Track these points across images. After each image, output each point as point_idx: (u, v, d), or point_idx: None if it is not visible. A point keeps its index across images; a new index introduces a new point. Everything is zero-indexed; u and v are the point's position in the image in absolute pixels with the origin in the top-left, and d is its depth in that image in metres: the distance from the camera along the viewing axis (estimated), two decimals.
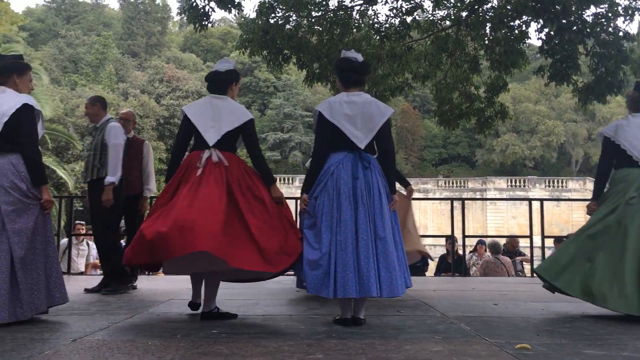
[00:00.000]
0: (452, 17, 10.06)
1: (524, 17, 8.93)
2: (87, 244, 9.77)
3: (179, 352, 2.65)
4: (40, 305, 3.50)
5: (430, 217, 42.38)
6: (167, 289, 5.58)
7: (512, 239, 10.44)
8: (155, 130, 40.42)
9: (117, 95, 43.11)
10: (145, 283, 6.23)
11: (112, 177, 5.14)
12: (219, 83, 3.89)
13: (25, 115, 3.58)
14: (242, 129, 3.81)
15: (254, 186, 3.66)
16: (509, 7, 8.81)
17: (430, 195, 44.62)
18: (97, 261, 9.62)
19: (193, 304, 3.91)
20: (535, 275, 4.28)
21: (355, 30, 9.69)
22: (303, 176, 42.35)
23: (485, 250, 9.78)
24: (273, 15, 9.25)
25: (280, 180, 45.03)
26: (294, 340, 2.97)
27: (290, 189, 43.42)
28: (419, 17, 10.27)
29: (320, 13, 9.54)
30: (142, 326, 3.44)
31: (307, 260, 3.46)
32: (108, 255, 5.30)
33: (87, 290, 5.33)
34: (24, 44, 47.36)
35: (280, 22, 9.28)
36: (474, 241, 10.36)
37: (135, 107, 38.16)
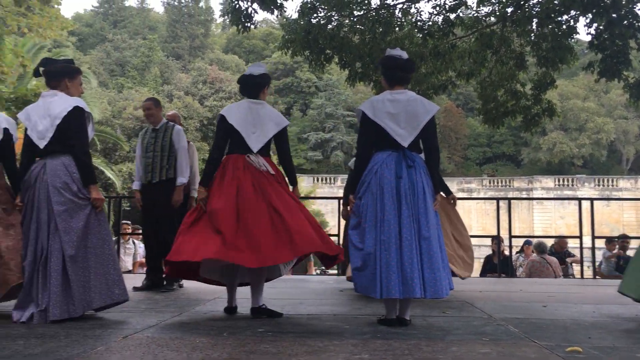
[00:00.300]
0: (497, 13, 9.88)
1: (571, 11, 8.70)
2: (133, 243, 9.98)
3: (226, 350, 2.68)
4: (92, 303, 3.58)
5: (474, 217, 41.74)
6: (212, 288, 5.63)
7: (561, 240, 10.18)
8: (199, 131, 41.02)
9: (162, 97, 43.89)
10: (191, 282, 6.31)
11: (183, 178, 5.41)
12: (254, 87, 3.98)
13: (77, 118, 3.69)
14: (279, 134, 3.95)
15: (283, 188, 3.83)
16: (556, 1, 8.59)
17: (474, 195, 43.91)
18: (144, 260, 9.84)
19: (230, 309, 3.94)
20: (620, 293, 4.14)
21: (397, 28, 9.62)
22: (345, 176, 42.12)
23: (533, 251, 9.57)
24: (315, 15, 9.28)
25: (322, 180, 45.09)
26: (339, 340, 2.96)
27: (332, 188, 43.43)
28: (463, 14, 10.13)
29: (362, 12, 9.52)
30: (190, 324, 3.49)
31: (353, 260, 3.46)
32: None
33: (135, 289, 5.44)
34: (73, 48, 48.84)
35: (322, 22, 9.30)
36: (520, 242, 10.15)
37: (179, 109, 38.83)
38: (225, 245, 3.51)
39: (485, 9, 10.09)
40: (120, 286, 3.69)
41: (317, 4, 9.14)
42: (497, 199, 8.58)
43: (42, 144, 3.67)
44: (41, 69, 3.87)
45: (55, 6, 8.81)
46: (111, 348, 2.71)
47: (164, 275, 5.47)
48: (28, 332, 3.12)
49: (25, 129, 3.78)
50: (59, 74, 3.84)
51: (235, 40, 64.83)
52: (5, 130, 4.02)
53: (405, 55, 3.75)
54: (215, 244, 3.51)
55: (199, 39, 63.52)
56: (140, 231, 10.34)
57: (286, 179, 4.02)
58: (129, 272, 9.31)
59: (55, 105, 3.70)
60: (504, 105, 10.24)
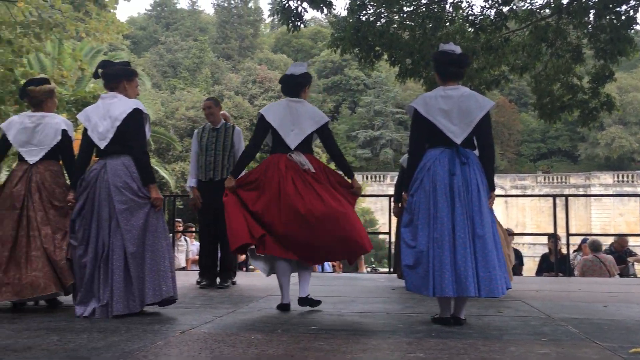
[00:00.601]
0: (552, 5, 9.58)
1: (631, 1, 8.37)
2: (185, 240, 10.18)
3: (281, 347, 2.71)
4: (148, 299, 3.68)
5: (528, 214, 40.78)
6: (265, 285, 5.71)
7: (621, 238, 9.79)
8: (249, 130, 41.50)
9: None
10: (244, 279, 6.42)
11: None
12: (295, 86, 4.07)
13: (136, 120, 3.81)
14: (320, 131, 4.02)
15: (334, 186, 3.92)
16: None
17: (529, 192, 42.87)
18: (197, 257, 10.04)
19: (283, 305, 3.97)
20: None
21: (448, 23, 9.46)
22: (394, 173, 41.83)
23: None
24: (364, 12, 9.22)
25: (371, 177, 44.94)
26: (393, 339, 2.95)
27: (382, 186, 43.23)
28: (516, 6, 9.87)
29: (412, 8, 9.41)
30: (244, 320, 3.54)
31: (405, 258, 3.44)
32: (228, 251, 5.51)
33: (201, 285, 5.58)
34: (128, 51, 50.19)
35: (371, 19, 9.23)
36: (578, 240, 9.85)
37: (230, 109, 39.40)
38: (275, 242, 3.76)
39: (539, 1, 9.81)
40: (167, 283, 3.74)
41: (367, 1, 9.09)
42: (554, 196, 8.35)
43: (102, 145, 3.80)
44: (100, 71, 4.00)
45: (112, 11, 9.07)
46: (170, 343, 2.78)
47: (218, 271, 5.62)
48: (91, 327, 3.23)
49: (85, 130, 3.91)
50: (118, 76, 3.96)
51: (284, 40, 65.31)
52: (64, 132, 4.21)
53: (458, 49, 3.69)
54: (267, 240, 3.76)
55: (248, 39, 64.27)
56: (193, 229, 10.59)
57: (341, 174, 4.11)
58: (182, 269, 9.51)
59: (115, 107, 3.82)
60: (560, 99, 9.94)
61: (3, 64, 8.02)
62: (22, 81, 7.54)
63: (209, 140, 5.60)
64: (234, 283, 5.80)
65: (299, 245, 3.74)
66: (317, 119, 3.99)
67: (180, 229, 10.37)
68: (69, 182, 4.11)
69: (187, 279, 6.05)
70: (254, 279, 6.52)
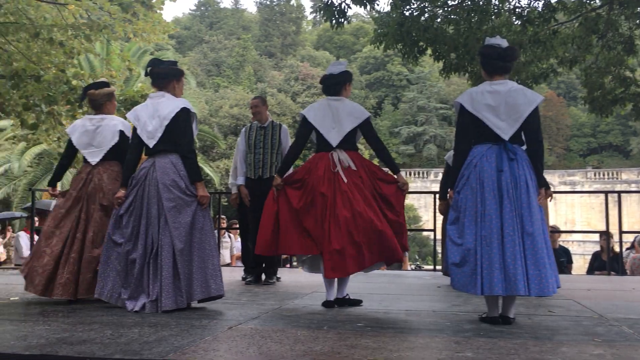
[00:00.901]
0: None
1: None
2: (229, 237, 10.30)
3: (328, 344, 2.71)
4: (195, 295, 3.74)
5: (578, 211, 39.71)
6: (309, 282, 5.73)
7: None
8: (292, 127, 41.79)
9: (256, 95, 45.20)
10: (288, 276, 6.45)
11: None
12: (335, 85, 4.12)
13: (184, 118, 3.87)
14: (362, 127, 4.05)
15: (376, 184, 3.96)
16: None
17: (578, 188, 41.72)
18: (240, 254, 10.15)
19: (328, 302, 3.96)
20: None
21: (494, 17, 9.29)
22: (438, 170, 41.22)
23: None
24: (408, 7, 9.16)
25: (414, 174, 44.53)
26: (440, 337, 2.91)
27: (425, 182, 42.82)
28: None
29: (456, 2, 9.28)
30: (290, 317, 3.56)
31: (451, 256, 3.39)
32: None
33: (247, 282, 5.66)
34: (173, 50, 51.11)
35: (415, 13, 9.16)
36: (631, 237, 9.52)
37: (272, 106, 39.67)
38: (312, 241, 3.86)
39: None
40: (216, 281, 3.80)
41: None
42: (606, 192, 8.08)
43: (151, 144, 3.88)
44: (149, 69, 4.08)
45: (158, 11, 9.24)
46: (218, 338, 2.82)
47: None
48: (142, 321, 3.31)
49: (134, 128, 4.00)
50: (168, 75, 4.04)
51: (326, 37, 65.34)
52: (121, 132, 4.35)
53: (505, 43, 3.61)
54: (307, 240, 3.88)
55: (290, 36, 64.58)
56: (237, 226, 10.70)
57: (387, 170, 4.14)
58: (227, 265, 9.64)
59: (163, 106, 3.90)
60: (612, 92, 9.66)
61: (55, 65, 8.27)
62: (74, 82, 7.79)
63: (257, 139, 5.65)
64: (278, 279, 5.84)
65: (332, 248, 3.77)
66: (357, 115, 4.03)
67: (225, 225, 10.50)
68: None
69: (232, 275, 6.13)
70: (299, 276, 6.54)
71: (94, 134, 4.34)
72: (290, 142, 5.62)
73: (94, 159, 4.30)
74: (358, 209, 3.77)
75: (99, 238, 4.10)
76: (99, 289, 3.86)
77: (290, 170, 4.24)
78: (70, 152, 4.53)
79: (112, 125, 4.36)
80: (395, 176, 4.05)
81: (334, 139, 3.97)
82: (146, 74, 4.14)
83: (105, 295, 3.83)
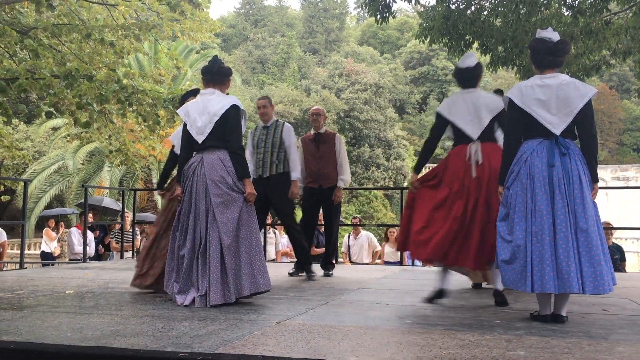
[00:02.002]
0: None
1: None
2: (275, 233, 10.37)
3: (376, 340, 2.70)
4: (243, 290, 3.78)
5: (631, 207, 38.36)
6: (356, 278, 5.73)
7: None
8: (336, 123, 41.73)
9: (300, 92, 45.27)
10: (335, 271, 6.45)
11: (297, 173, 5.63)
12: (472, 79, 4.15)
13: (233, 116, 3.93)
14: (498, 116, 4.00)
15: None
16: None
17: (632, 184, 40.26)
18: (287, 249, 10.22)
19: (439, 291, 4.02)
20: None
21: (543, 8, 9.04)
22: None
23: None
24: (454, 0, 9.00)
25: None
26: (490, 335, 2.87)
27: None
28: None
29: None
30: (337, 312, 3.57)
31: (501, 253, 3.33)
32: (302, 242, 5.62)
33: (290, 274, 5.80)
34: (218, 49, 51.78)
35: (461, 6, 8.99)
36: None
37: (317, 102, 39.72)
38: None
39: None
40: (264, 276, 3.84)
41: None
42: None
43: (200, 139, 3.94)
44: (204, 66, 4.17)
45: (205, 10, 9.38)
46: (267, 333, 2.85)
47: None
48: (191, 315, 3.37)
49: (184, 125, 4.08)
50: (224, 74, 4.14)
51: (370, 32, 65.01)
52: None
53: (556, 36, 3.51)
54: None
55: (334, 32, 64.49)
56: (280, 222, 10.78)
57: None
58: (272, 261, 9.72)
59: (213, 103, 3.96)
60: None
61: (106, 65, 8.50)
62: (124, 81, 7.98)
63: (259, 139, 5.70)
64: (329, 274, 5.91)
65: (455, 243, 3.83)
66: (491, 107, 4.01)
67: (269, 221, 10.58)
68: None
69: (278, 271, 6.18)
70: (346, 272, 6.55)
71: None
72: (294, 139, 5.67)
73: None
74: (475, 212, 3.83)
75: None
76: (164, 282, 4.02)
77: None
78: (173, 157, 4.65)
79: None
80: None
81: (473, 131, 4.00)
82: (205, 71, 4.19)
83: (168, 289, 3.96)
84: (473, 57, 4.23)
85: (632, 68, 10.17)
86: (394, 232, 9.24)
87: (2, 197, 11.24)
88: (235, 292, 3.76)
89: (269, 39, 62.70)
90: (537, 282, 3.14)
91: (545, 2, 8.89)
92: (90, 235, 10.36)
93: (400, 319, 3.30)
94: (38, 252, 14.08)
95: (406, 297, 4.35)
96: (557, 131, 3.33)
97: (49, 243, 11.68)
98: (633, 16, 9.01)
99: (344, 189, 6.28)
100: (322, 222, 6.68)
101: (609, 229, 8.03)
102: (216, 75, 4.11)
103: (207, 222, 3.82)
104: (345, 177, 5.94)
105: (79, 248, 10.08)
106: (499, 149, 3.88)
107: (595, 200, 3.36)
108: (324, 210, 6.07)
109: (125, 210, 9.72)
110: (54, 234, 11.91)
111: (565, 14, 9.07)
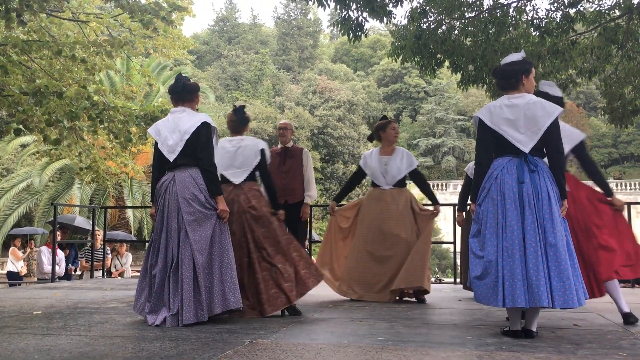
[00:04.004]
0: (622, 5, 9.23)
1: None
2: None
3: (348, 358, 2.70)
4: (215, 308, 3.75)
5: None
6: (330, 296, 5.71)
7: None
8: (310, 140, 41.86)
9: (274, 109, 45.35)
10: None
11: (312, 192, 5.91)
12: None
13: (204, 132, 3.92)
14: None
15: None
16: None
17: None
18: None
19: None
20: None
21: (512, 28, 9.26)
22: (457, 182, 40.73)
23: None
24: (425, 20, 9.16)
25: (434, 186, 44.26)
26: (462, 351, 2.89)
27: (444, 194, 42.50)
28: (584, 8, 9.56)
29: (474, 14, 9.27)
30: (311, 330, 3.56)
31: (473, 269, 3.37)
32: None
33: None
34: (192, 66, 51.66)
35: (432, 26, 9.16)
36: None
37: (290, 119, 39.82)
38: None
39: (608, 2, 9.50)
40: (235, 294, 3.80)
41: (427, 8, 9.02)
42: (629, 204, 7.96)
43: (171, 157, 3.92)
44: (170, 86, 4.15)
45: (178, 27, 9.36)
46: (239, 352, 2.82)
47: None
48: (163, 335, 3.33)
49: (155, 143, 4.05)
50: (194, 91, 4.12)
51: (343, 50, 65.60)
52: (262, 151, 4.48)
53: (515, 57, 3.59)
54: None
55: (308, 50, 64.91)
56: None
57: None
58: None
59: (184, 121, 3.95)
60: (632, 102, 9.57)
61: (77, 82, 8.40)
62: (95, 97, 7.90)
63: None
64: None
65: None
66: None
67: None
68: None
69: None
70: (320, 290, 6.52)
71: (235, 155, 4.43)
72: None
73: (237, 180, 4.40)
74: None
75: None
76: (134, 302, 3.94)
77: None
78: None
79: (252, 145, 4.46)
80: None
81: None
82: (171, 90, 4.18)
83: (136, 309, 3.88)
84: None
85: (598, 87, 10.44)
86: None
87: None
88: (208, 310, 3.73)
89: (242, 56, 62.80)
90: (508, 296, 3.18)
91: (513, 22, 9.12)
92: (60, 254, 10.16)
93: (373, 336, 3.30)
94: (4, 271, 13.77)
95: (379, 314, 4.35)
96: (526, 149, 3.40)
97: (15, 263, 11.44)
98: (598, 36, 9.29)
99: (314, 205, 6.29)
100: None
101: None
102: (183, 92, 4.09)
103: (179, 240, 3.79)
104: (312, 193, 5.90)
105: (48, 267, 9.89)
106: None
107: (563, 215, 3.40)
108: (290, 227, 5.99)
109: (96, 228, 9.57)
110: (20, 253, 11.67)
111: (533, 34, 9.30)
